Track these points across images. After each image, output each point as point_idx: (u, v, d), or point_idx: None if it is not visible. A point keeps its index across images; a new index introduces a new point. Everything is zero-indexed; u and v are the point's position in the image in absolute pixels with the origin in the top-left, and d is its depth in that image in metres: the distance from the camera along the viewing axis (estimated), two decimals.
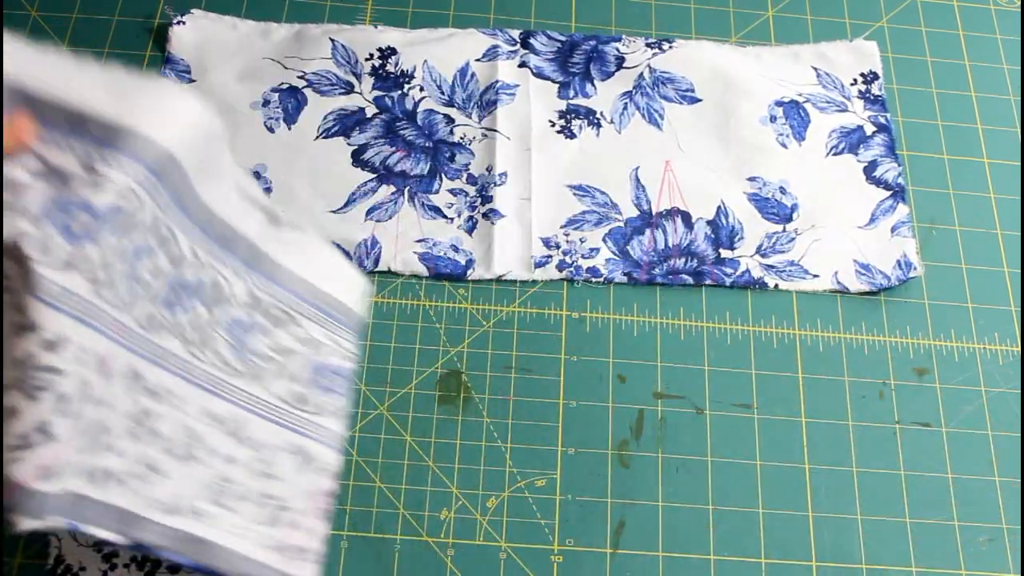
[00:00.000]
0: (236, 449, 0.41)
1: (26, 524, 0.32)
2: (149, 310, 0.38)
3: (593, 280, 0.55)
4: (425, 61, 0.60)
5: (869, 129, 0.60)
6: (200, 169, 0.38)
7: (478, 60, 0.60)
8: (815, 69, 0.62)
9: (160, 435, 0.38)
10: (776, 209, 0.58)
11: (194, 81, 0.59)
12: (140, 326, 0.37)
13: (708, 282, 0.55)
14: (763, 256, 0.56)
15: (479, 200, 0.56)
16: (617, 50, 0.62)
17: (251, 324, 0.43)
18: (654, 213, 0.57)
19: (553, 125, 0.59)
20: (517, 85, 0.60)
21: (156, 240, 0.37)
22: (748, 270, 0.56)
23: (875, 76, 0.62)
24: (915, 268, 0.56)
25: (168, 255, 0.38)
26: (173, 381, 0.39)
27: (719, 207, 0.57)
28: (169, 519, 0.38)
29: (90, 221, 0.33)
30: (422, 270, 0.54)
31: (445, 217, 0.56)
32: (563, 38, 0.62)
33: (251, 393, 0.43)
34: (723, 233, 0.57)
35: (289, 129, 0.58)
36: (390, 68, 0.60)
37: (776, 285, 0.55)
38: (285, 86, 0.59)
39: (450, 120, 0.59)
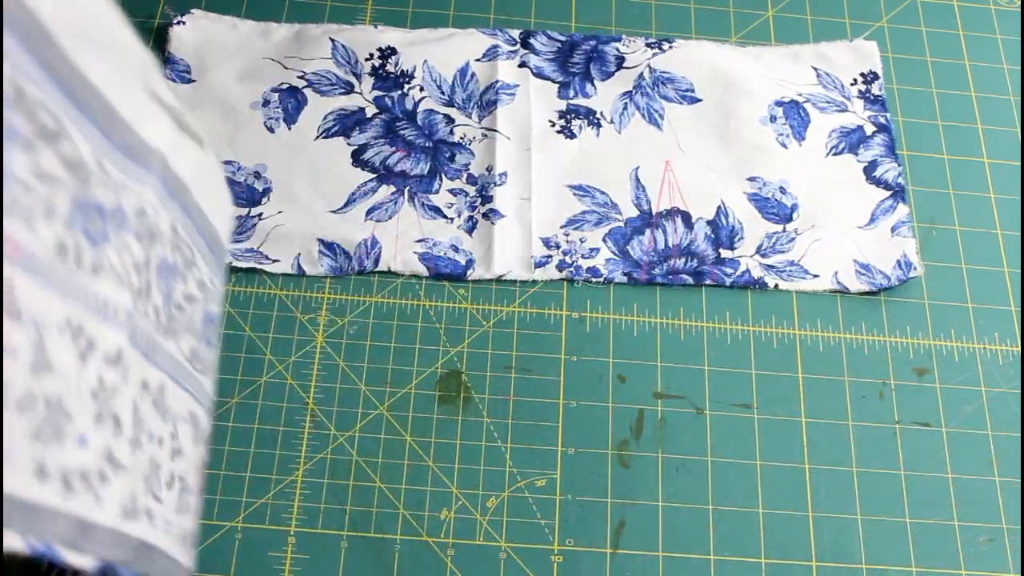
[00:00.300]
0: (160, 425, 0.33)
1: None
2: (62, 236, 0.27)
3: (593, 280, 0.55)
4: (425, 61, 0.60)
5: (869, 129, 0.60)
6: (80, 37, 0.28)
7: (478, 60, 0.60)
8: (815, 69, 0.62)
9: (117, 415, 0.30)
10: (776, 209, 0.58)
11: (194, 81, 0.59)
12: (75, 263, 0.27)
13: (708, 282, 0.55)
14: (763, 256, 0.56)
15: (479, 200, 0.56)
16: (617, 50, 0.62)
17: (173, 266, 0.34)
18: (654, 213, 0.57)
19: (553, 125, 0.59)
20: (517, 85, 0.60)
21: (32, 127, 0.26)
22: (748, 270, 0.56)
23: (875, 76, 0.62)
24: (915, 268, 0.56)
25: (58, 154, 0.27)
26: (121, 342, 0.30)
27: (719, 207, 0.57)
28: (129, 525, 0.30)
29: None
30: (422, 270, 0.54)
31: (445, 217, 0.56)
32: (563, 38, 0.62)
33: (170, 354, 0.35)
34: (723, 233, 0.57)
35: (289, 129, 0.58)
36: (390, 68, 0.60)
37: (776, 285, 0.55)
38: (285, 86, 0.59)
39: (450, 120, 0.59)
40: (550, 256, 0.55)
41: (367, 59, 0.60)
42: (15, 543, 0.24)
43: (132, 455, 0.31)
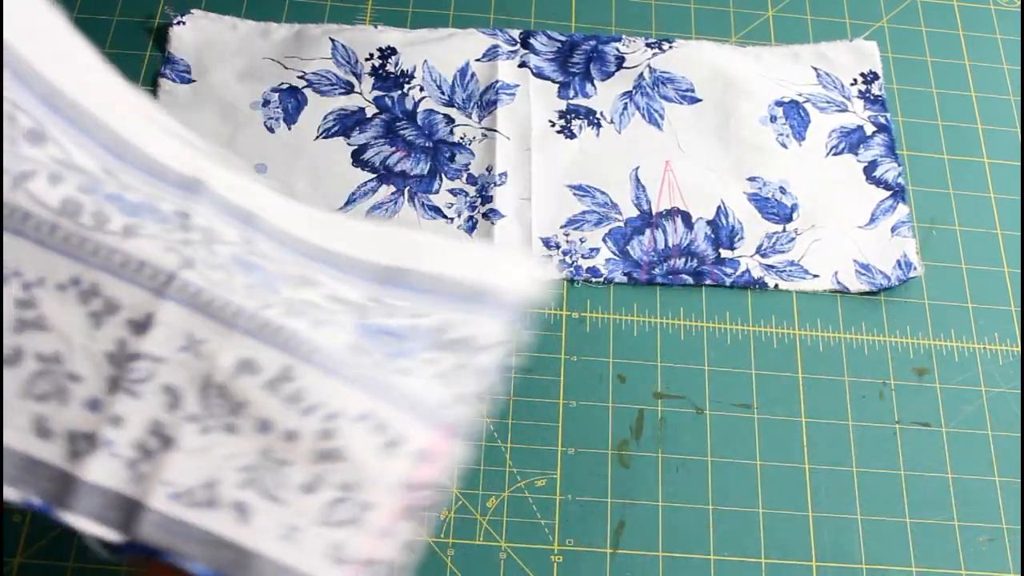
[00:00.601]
0: (283, 414, 0.30)
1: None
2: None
3: (593, 280, 0.55)
4: (425, 61, 0.60)
5: (869, 129, 0.60)
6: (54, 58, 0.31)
7: (478, 60, 0.60)
8: (815, 69, 0.62)
9: (173, 388, 0.29)
10: (776, 209, 0.58)
11: (194, 81, 0.59)
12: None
13: (708, 282, 0.55)
14: (763, 256, 0.56)
15: (479, 200, 0.56)
16: (617, 50, 0.62)
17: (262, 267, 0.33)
18: (654, 213, 0.57)
19: (553, 125, 0.59)
20: (517, 85, 0.60)
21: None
22: (748, 270, 0.56)
23: (875, 76, 0.62)
24: (915, 268, 0.56)
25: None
26: (161, 309, 0.29)
27: (719, 207, 0.57)
28: (191, 513, 0.29)
29: None
30: None
31: (445, 217, 0.56)
32: (563, 38, 0.62)
33: (299, 334, 0.30)
34: (723, 233, 0.57)
35: (289, 129, 0.58)
36: (390, 68, 0.60)
37: (776, 285, 0.55)
38: (285, 86, 0.59)
39: (450, 120, 0.59)
40: (550, 256, 0.55)
41: (367, 59, 0.60)
42: (10, 495, 0.25)
43: (201, 436, 0.29)
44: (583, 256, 0.55)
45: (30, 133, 0.29)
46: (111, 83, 0.33)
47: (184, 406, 0.29)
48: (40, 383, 0.27)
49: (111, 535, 0.28)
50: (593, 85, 0.61)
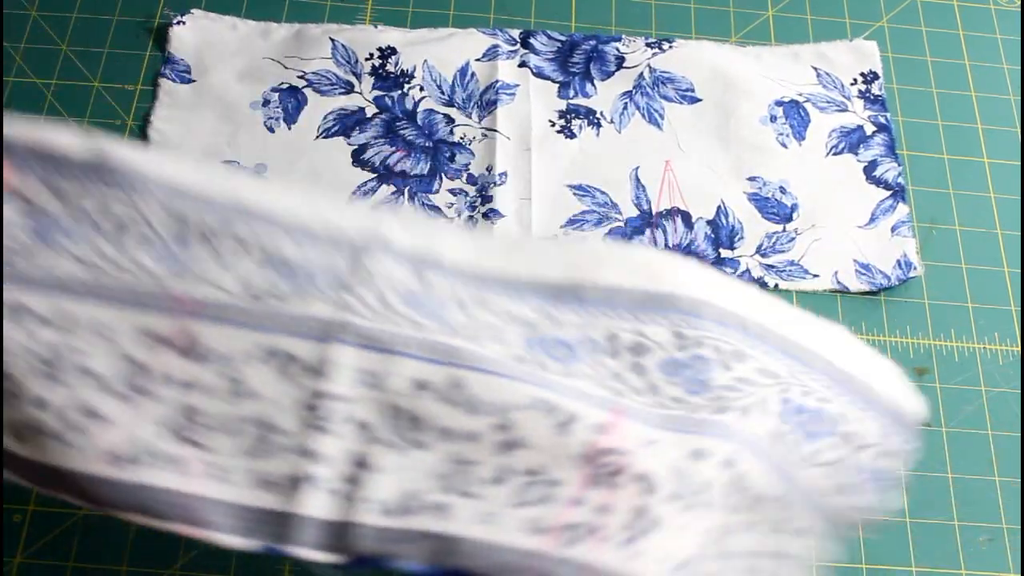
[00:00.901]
0: (461, 417, 0.33)
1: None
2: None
3: None
4: (425, 61, 0.60)
5: (869, 129, 0.60)
6: None
7: (478, 60, 0.60)
8: (815, 69, 0.62)
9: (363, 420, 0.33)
10: (776, 209, 0.58)
11: (194, 81, 0.59)
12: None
13: None
14: (763, 256, 0.56)
15: (479, 200, 0.56)
16: (617, 50, 0.62)
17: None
18: (654, 213, 0.57)
19: (553, 125, 0.59)
20: (517, 85, 0.60)
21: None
22: (748, 270, 0.56)
23: (875, 76, 0.62)
24: (915, 268, 0.56)
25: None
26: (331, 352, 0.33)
27: (719, 207, 0.57)
28: (407, 522, 0.32)
29: None
30: None
31: (445, 217, 0.56)
32: (563, 38, 0.62)
33: (461, 349, 0.34)
34: (723, 233, 0.57)
35: (289, 129, 0.58)
36: (390, 68, 0.60)
37: (776, 285, 0.55)
38: (285, 86, 0.59)
39: (450, 120, 0.59)
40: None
41: (367, 59, 0.60)
42: (237, 543, 0.30)
43: (395, 455, 0.32)
44: None
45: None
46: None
47: (375, 433, 0.32)
48: (258, 446, 0.32)
49: (334, 559, 0.32)
50: (593, 85, 0.61)
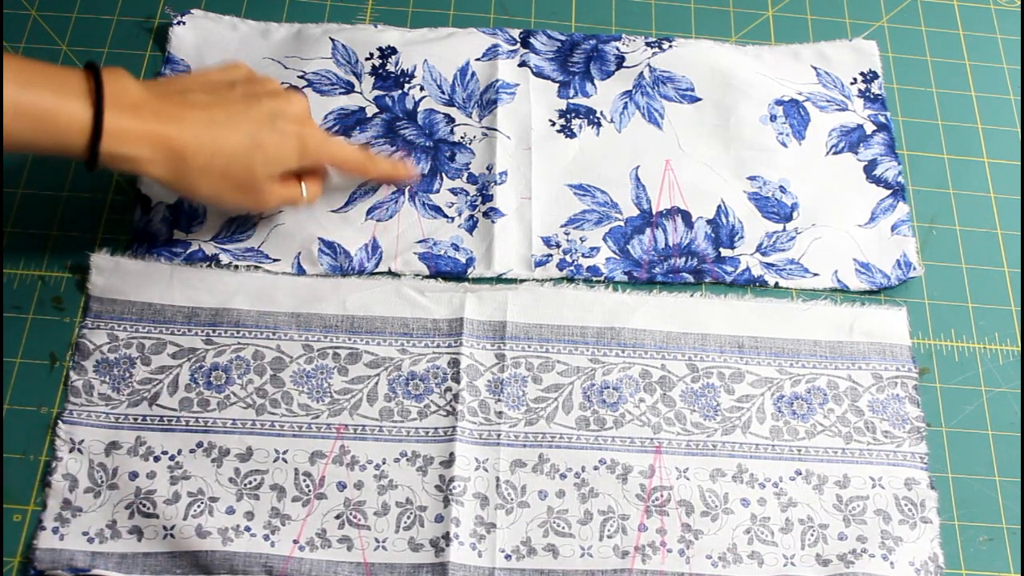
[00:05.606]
0: (550, 481, 0.49)
1: None
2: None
3: (593, 279, 0.55)
4: (425, 60, 0.60)
5: (869, 128, 0.60)
6: None
7: (478, 59, 0.60)
8: (815, 68, 0.62)
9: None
10: (776, 208, 0.58)
11: None
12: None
13: (708, 280, 0.55)
14: (763, 255, 0.56)
15: (479, 199, 0.56)
16: (617, 49, 0.62)
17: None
18: (654, 212, 0.57)
19: (553, 124, 0.59)
20: (517, 84, 0.60)
21: None
22: (748, 268, 0.56)
23: (875, 75, 0.62)
24: (915, 268, 0.56)
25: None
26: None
27: (719, 206, 0.57)
28: (529, 563, 0.47)
29: None
30: (423, 269, 0.54)
31: (445, 216, 0.56)
32: (563, 37, 0.62)
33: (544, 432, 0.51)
34: (723, 232, 0.57)
35: None
36: (390, 68, 0.60)
37: (776, 283, 0.55)
38: (285, 86, 0.59)
39: (450, 119, 0.59)
40: (550, 255, 0.55)
41: (367, 59, 0.60)
42: None
43: (507, 515, 0.48)
44: (583, 255, 0.55)
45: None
46: None
47: (490, 500, 0.48)
48: (403, 519, 0.47)
49: None
50: (593, 84, 0.61)
